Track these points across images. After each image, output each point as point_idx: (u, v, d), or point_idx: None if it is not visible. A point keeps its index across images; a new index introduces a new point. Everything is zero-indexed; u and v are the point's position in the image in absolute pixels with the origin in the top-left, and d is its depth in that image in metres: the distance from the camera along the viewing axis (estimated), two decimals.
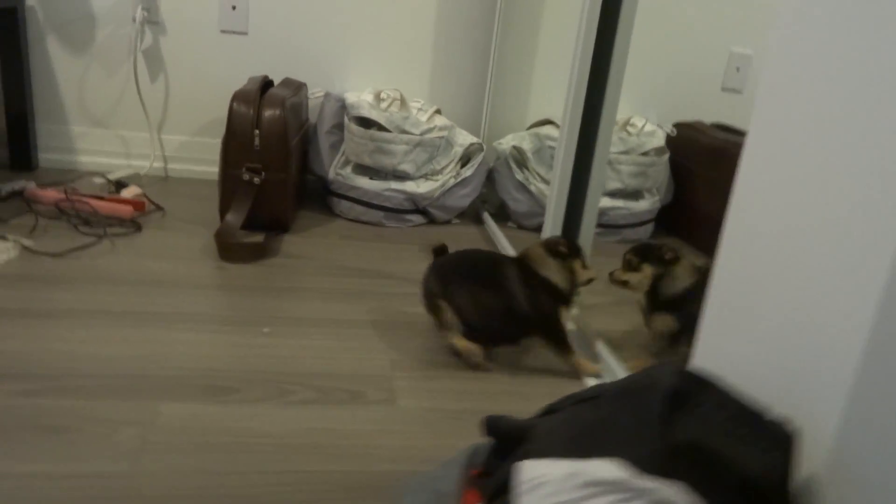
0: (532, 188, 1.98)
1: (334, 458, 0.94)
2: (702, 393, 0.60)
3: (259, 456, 0.92)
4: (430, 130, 1.91)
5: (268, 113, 1.70)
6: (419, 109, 1.96)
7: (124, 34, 2.04)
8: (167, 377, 1.08)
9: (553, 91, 2.15)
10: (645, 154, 1.98)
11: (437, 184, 1.94)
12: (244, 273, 1.52)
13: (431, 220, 2.01)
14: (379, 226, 1.93)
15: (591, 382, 1.22)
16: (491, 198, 2.12)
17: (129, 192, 1.86)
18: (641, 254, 1.29)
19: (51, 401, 0.98)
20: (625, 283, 1.30)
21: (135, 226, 1.69)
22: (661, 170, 2.03)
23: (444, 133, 1.94)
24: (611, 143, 1.45)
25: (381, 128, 1.87)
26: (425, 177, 1.95)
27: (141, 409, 0.99)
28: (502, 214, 2.07)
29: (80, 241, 1.56)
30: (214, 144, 2.10)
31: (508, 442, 0.80)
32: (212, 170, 2.13)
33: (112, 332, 1.19)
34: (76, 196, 1.72)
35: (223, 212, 1.70)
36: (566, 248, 1.27)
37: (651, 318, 1.30)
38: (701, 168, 2.06)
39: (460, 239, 1.91)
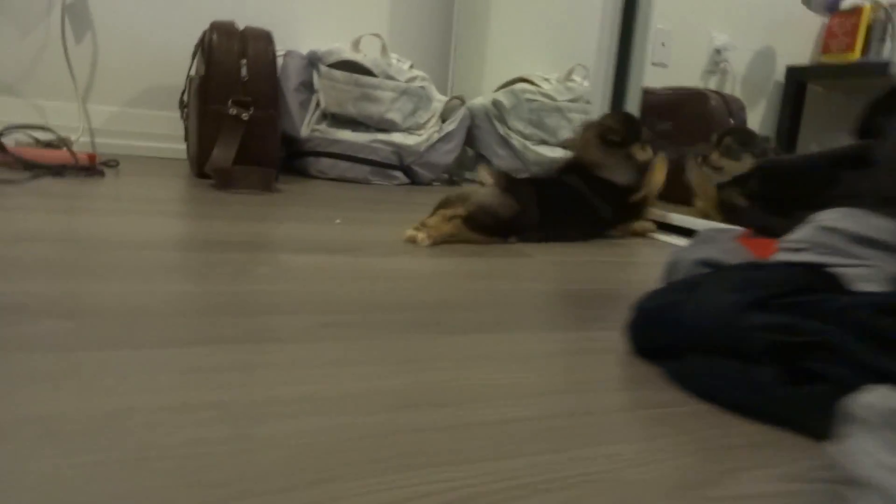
0: (514, 142, 1.92)
1: (527, 280, 0.78)
2: None
3: (427, 280, 0.74)
4: (413, 79, 1.81)
5: (254, 44, 1.52)
6: (398, 60, 1.86)
7: None
8: (275, 242, 0.86)
9: (512, 56, 2.16)
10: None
11: (423, 137, 1.83)
12: (261, 199, 1.30)
13: (413, 181, 1.88)
14: (365, 183, 1.77)
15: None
16: (465, 160, 2.04)
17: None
18: (742, 142, 1.26)
19: (165, 253, 0.74)
20: (719, 169, 1.27)
21: (95, 172, 1.40)
22: None
23: (426, 84, 1.85)
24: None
25: (364, 74, 1.75)
26: (409, 130, 1.83)
27: (265, 258, 0.77)
28: None
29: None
30: (151, 116, 1.86)
31: (788, 187, 0.71)
32: (150, 145, 1.86)
33: (175, 222, 0.95)
34: (14, 149, 1.40)
35: (202, 155, 1.47)
36: (619, 132, 1.19)
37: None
38: (658, 120, 2.13)
39: None
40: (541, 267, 0.89)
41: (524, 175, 1.21)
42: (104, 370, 0.42)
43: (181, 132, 1.76)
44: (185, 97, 1.66)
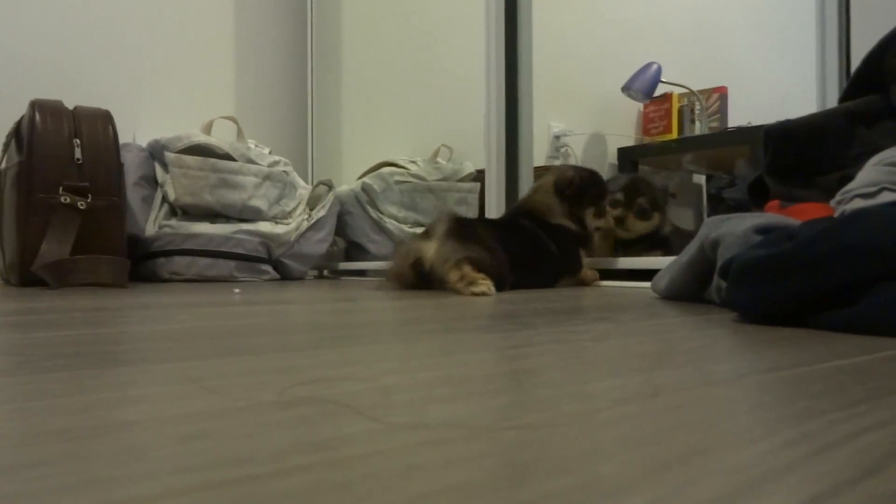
0: (389, 226, 1.80)
1: None
2: None
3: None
4: (275, 164, 1.65)
5: (89, 123, 1.29)
6: (255, 145, 1.69)
7: None
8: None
9: (370, 140, 2.08)
10: (462, 181, 1.97)
11: (292, 226, 1.65)
12: (126, 294, 1.03)
13: (283, 276, 1.67)
14: (230, 281, 1.53)
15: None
16: (335, 251, 1.87)
17: None
18: (653, 204, 1.28)
19: None
20: (629, 231, 1.26)
21: None
22: (476, 198, 2.02)
23: (289, 169, 1.69)
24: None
25: (221, 159, 1.55)
26: (276, 219, 1.64)
27: None
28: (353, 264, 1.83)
29: None
30: None
31: (804, 150, 0.64)
32: None
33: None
34: None
35: (27, 256, 1.17)
36: (575, 188, 1.13)
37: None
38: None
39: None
40: None
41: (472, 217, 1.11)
42: None
43: None
44: None
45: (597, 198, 1.13)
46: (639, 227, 1.27)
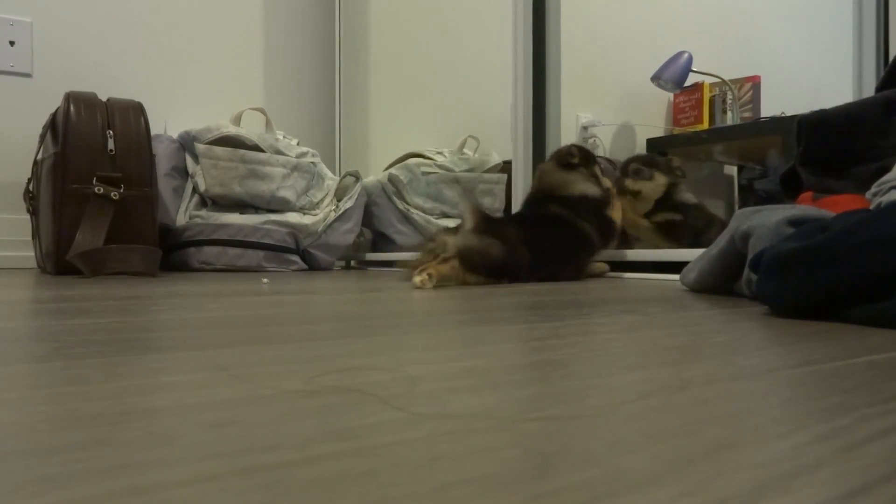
0: (416, 217, 1.80)
1: None
2: None
3: None
4: (303, 154, 1.66)
5: (122, 115, 1.31)
6: (284, 136, 1.70)
7: None
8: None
9: (398, 131, 2.08)
10: (489, 172, 1.96)
11: (319, 217, 1.66)
12: (157, 283, 1.05)
13: (311, 266, 1.68)
14: (259, 271, 1.54)
15: None
16: (362, 242, 1.88)
17: None
18: (646, 163, 1.26)
19: None
20: (636, 194, 1.23)
21: None
22: (503, 189, 2.02)
23: (317, 160, 1.70)
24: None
25: (250, 150, 1.57)
26: (303, 210, 1.65)
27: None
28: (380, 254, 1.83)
29: None
30: None
31: (837, 140, 0.62)
32: None
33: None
34: None
35: (62, 245, 1.20)
36: (576, 156, 1.15)
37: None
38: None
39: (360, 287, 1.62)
40: None
41: (501, 214, 1.14)
42: None
43: (25, 235, 1.47)
44: (33, 185, 1.39)
45: (592, 159, 1.16)
46: (640, 186, 1.27)
